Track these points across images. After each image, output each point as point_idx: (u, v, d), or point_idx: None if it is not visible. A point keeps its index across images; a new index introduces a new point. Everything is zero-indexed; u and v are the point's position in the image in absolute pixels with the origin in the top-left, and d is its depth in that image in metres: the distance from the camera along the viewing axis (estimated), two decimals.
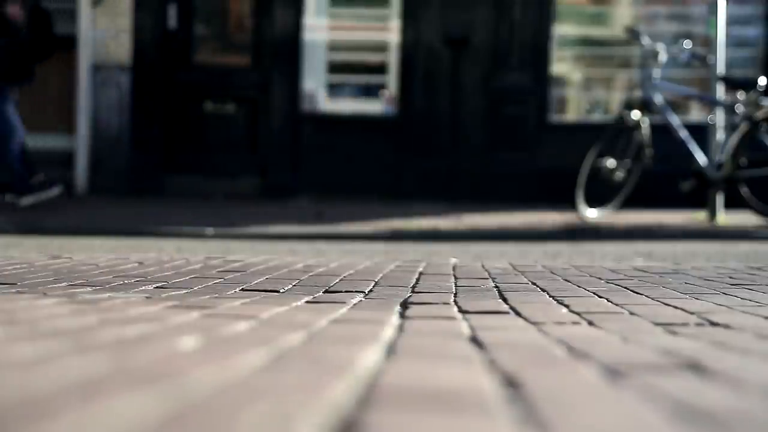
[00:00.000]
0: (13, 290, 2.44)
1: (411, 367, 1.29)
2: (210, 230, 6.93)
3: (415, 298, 2.38)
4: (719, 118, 8.08)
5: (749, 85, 7.84)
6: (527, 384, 1.17)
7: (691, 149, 7.94)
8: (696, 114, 10.13)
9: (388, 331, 1.68)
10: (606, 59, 10.67)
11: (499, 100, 10.34)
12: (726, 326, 1.85)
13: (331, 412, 0.97)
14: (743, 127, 7.73)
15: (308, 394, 1.05)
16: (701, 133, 8.18)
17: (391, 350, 1.45)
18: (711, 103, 8.22)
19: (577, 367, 1.33)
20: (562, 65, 10.66)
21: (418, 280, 2.92)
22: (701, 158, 7.90)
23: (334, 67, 10.57)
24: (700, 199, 8.14)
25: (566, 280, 2.99)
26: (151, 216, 7.97)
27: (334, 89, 10.60)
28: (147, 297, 2.29)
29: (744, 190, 7.78)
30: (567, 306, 2.20)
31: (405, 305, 2.19)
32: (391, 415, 0.97)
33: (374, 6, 10.61)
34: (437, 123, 10.37)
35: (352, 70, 10.66)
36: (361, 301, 2.30)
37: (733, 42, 9.54)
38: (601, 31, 10.71)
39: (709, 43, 8.35)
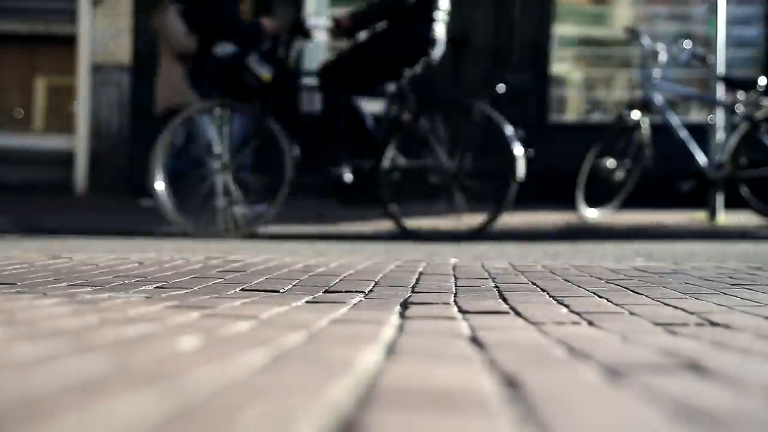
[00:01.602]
0: (13, 290, 2.44)
1: (411, 367, 1.29)
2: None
3: (415, 298, 2.38)
4: (719, 118, 8.08)
5: (749, 85, 7.84)
6: (527, 384, 1.17)
7: (691, 149, 7.94)
8: (696, 114, 10.13)
9: (388, 331, 1.68)
10: (606, 59, 10.67)
11: (499, 100, 10.34)
12: (726, 326, 1.85)
13: (331, 412, 0.97)
14: (743, 127, 7.74)
15: (308, 394, 1.05)
16: (701, 133, 8.19)
17: (391, 350, 1.45)
18: (711, 103, 8.23)
19: (577, 367, 1.33)
20: (562, 65, 10.66)
21: (418, 280, 2.92)
22: (701, 158, 7.91)
23: None
24: (700, 199, 8.14)
25: (566, 280, 2.99)
26: (150, 216, 7.97)
27: None
28: (147, 297, 2.29)
29: (744, 190, 7.79)
30: (567, 306, 2.20)
31: (405, 305, 2.19)
32: (391, 415, 0.97)
33: None
34: None
35: None
36: (361, 301, 2.30)
37: (733, 42, 9.54)
38: (601, 31, 10.72)
39: (709, 43, 8.35)
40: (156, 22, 8.83)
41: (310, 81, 7.97)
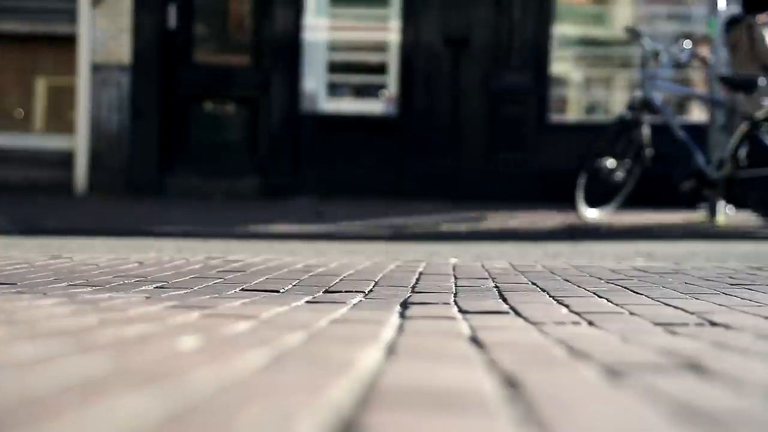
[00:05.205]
0: (13, 290, 2.44)
1: (411, 367, 1.29)
2: (210, 230, 6.93)
3: (415, 298, 2.38)
4: (719, 118, 8.08)
5: (749, 85, 7.84)
6: (527, 384, 1.17)
7: (691, 149, 7.94)
8: (696, 114, 10.13)
9: (388, 331, 1.68)
10: (606, 59, 10.67)
11: (499, 100, 10.34)
12: (726, 326, 1.85)
13: (331, 412, 0.97)
14: (743, 127, 7.74)
15: (308, 394, 1.05)
16: (701, 133, 8.18)
17: (391, 350, 1.45)
18: (711, 103, 8.22)
19: (577, 367, 1.33)
20: (562, 65, 10.66)
21: (418, 280, 2.92)
22: (701, 158, 7.90)
23: (334, 67, 10.57)
24: (700, 199, 8.14)
25: (566, 280, 2.98)
26: (150, 216, 7.97)
27: (334, 89, 10.60)
28: (147, 297, 2.29)
29: (744, 190, 7.78)
30: (567, 306, 2.20)
31: (405, 305, 2.19)
32: (391, 415, 0.97)
33: (374, 6, 10.61)
34: (437, 123, 10.37)
35: (352, 70, 10.66)
36: (361, 301, 2.30)
37: None
38: (601, 31, 10.71)
39: (709, 43, 8.35)
40: (735, 37, 8.80)
41: None
